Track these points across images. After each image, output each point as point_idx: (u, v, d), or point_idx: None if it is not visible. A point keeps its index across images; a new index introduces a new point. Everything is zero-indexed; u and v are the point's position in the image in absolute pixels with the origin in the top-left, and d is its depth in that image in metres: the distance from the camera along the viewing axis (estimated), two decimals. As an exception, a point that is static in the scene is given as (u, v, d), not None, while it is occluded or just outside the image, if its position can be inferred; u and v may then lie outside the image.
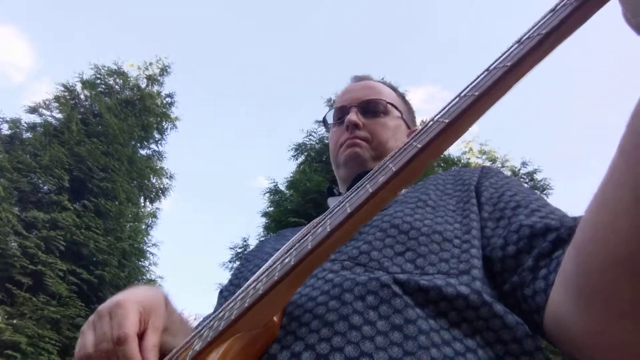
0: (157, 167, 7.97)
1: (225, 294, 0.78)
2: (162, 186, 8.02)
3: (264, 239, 0.97)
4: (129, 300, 0.55)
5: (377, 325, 0.46)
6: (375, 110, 0.94)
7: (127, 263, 6.69)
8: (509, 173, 9.21)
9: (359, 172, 0.88)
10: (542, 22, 0.42)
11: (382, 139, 0.90)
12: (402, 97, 1.04)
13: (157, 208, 8.07)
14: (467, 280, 0.52)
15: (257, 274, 0.56)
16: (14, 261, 5.33)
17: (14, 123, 6.56)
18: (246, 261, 0.87)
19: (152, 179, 7.88)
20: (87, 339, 0.54)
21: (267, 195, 6.01)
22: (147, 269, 7.17)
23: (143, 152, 7.92)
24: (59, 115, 6.86)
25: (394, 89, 1.04)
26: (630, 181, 0.33)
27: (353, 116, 0.91)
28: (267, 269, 0.51)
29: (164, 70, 8.29)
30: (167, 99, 8.28)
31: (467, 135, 10.76)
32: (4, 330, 4.90)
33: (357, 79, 1.05)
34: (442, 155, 8.28)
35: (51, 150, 6.32)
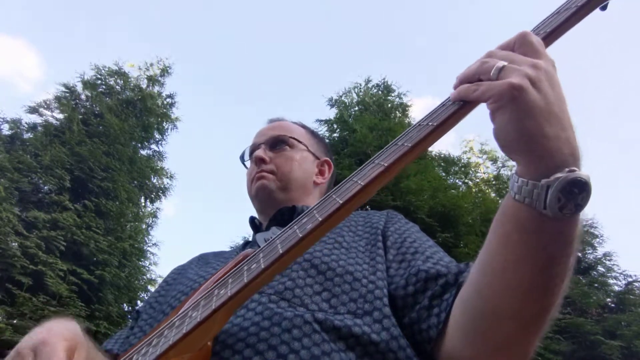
0: (158, 167, 7.99)
1: (145, 316, 0.82)
2: (162, 186, 8.04)
3: (185, 263, 1.00)
4: (54, 337, 0.55)
5: (300, 354, 0.56)
6: (280, 144, 1.04)
7: (127, 263, 6.69)
8: (508, 172, 9.13)
9: (269, 203, 0.98)
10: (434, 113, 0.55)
11: (286, 170, 1.00)
12: (311, 132, 1.15)
13: (157, 208, 8.09)
14: (369, 321, 0.63)
15: (190, 302, 0.60)
16: (14, 261, 5.33)
17: (15, 123, 6.57)
18: (167, 284, 0.92)
19: (152, 179, 7.89)
20: None
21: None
22: (147, 269, 7.19)
23: (144, 152, 7.94)
24: (60, 116, 6.88)
25: (304, 127, 1.15)
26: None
27: (260, 152, 1.01)
28: (201, 297, 0.55)
29: (165, 71, 8.29)
30: (167, 100, 8.29)
31: (467, 135, 10.74)
32: (4, 330, 4.90)
33: (270, 121, 1.16)
34: (442, 155, 8.21)
35: (52, 151, 6.33)
